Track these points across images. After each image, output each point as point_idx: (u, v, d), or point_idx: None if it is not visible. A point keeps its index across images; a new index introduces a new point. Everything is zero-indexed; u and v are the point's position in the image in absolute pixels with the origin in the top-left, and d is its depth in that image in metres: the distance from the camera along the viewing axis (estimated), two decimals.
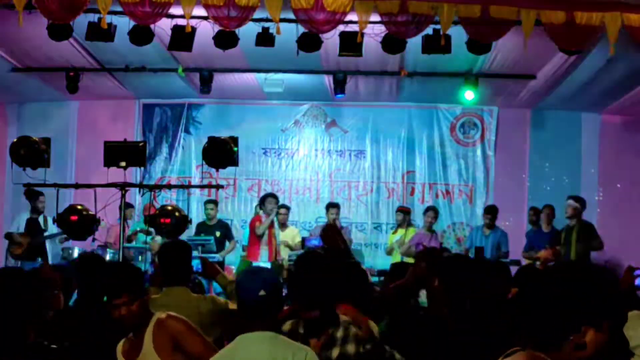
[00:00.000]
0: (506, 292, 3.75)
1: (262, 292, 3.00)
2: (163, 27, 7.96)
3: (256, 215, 9.80)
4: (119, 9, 7.45)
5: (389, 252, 10.46)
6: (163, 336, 3.50)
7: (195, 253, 8.26)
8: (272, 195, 9.83)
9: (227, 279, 4.63)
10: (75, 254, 8.95)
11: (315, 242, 8.87)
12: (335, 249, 4.68)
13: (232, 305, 4.38)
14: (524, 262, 9.51)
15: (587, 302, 2.44)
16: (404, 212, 10.50)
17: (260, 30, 8.15)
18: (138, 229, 9.73)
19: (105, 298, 3.52)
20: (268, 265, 8.32)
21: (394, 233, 10.63)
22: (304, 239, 9.52)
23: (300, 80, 10.75)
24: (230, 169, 7.58)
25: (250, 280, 3.11)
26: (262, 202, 9.72)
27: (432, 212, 10.36)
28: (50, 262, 9.08)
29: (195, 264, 4.93)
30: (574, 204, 9.17)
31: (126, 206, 9.05)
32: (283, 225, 10.17)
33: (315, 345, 3.22)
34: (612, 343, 2.54)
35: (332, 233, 4.81)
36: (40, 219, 9.63)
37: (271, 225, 9.57)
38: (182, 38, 8.06)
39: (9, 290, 3.96)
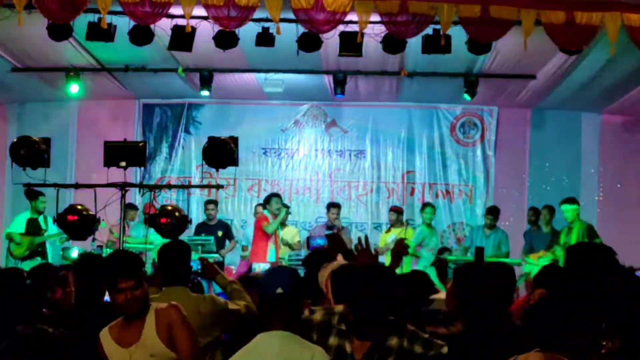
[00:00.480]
0: (509, 293, 3.74)
1: (279, 290, 3.02)
2: (163, 27, 7.96)
3: (262, 215, 9.84)
4: (119, 9, 7.44)
5: (382, 252, 10.34)
6: (162, 325, 3.54)
7: (194, 253, 8.27)
8: (277, 195, 9.94)
9: (227, 280, 4.62)
10: (75, 254, 8.95)
11: (320, 241, 8.89)
12: (340, 250, 4.68)
13: (232, 306, 4.37)
14: (524, 262, 9.53)
15: (620, 307, 2.45)
16: (398, 212, 10.53)
17: (260, 30, 8.15)
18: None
19: (109, 286, 3.53)
20: (267, 267, 8.34)
21: (386, 232, 10.62)
22: (308, 239, 9.54)
23: (300, 80, 10.75)
24: (230, 169, 7.59)
25: (270, 278, 3.15)
26: (267, 201, 9.78)
27: (431, 208, 10.38)
28: (50, 262, 9.09)
29: (195, 263, 4.93)
30: (570, 206, 9.15)
31: (129, 207, 9.06)
32: (282, 225, 10.18)
33: (359, 347, 3.16)
34: (628, 344, 2.56)
35: (338, 239, 4.81)
36: (41, 219, 9.63)
37: None
38: (182, 38, 8.06)
39: (9, 290, 3.97)
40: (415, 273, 5.03)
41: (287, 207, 10.41)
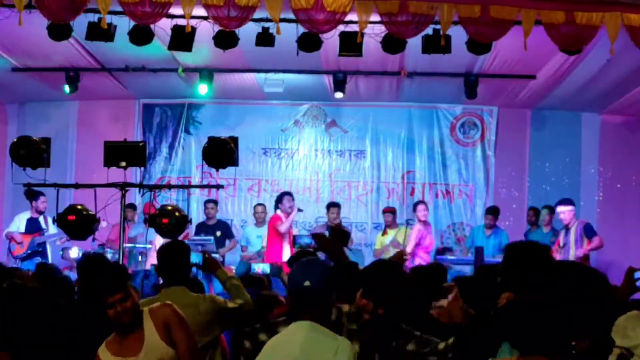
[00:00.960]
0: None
1: (307, 283, 3.01)
2: (163, 27, 7.96)
3: (275, 215, 9.86)
4: (119, 9, 7.44)
5: (380, 254, 10.27)
6: (159, 325, 3.57)
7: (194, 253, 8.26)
8: (289, 194, 10.01)
9: (227, 275, 4.64)
10: (74, 253, 8.95)
11: (306, 240, 8.86)
12: (325, 249, 4.71)
13: (231, 304, 4.39)
14: None
15: (590, 309, 2.47)
16: (393, 213, 10.51)
17: (260, 30, 8.14)
18: None
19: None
20: (267, 268, 8.34)
21: (383, 235, 10.58)
22: (294, 237, 9.52)
23: (300, 80, 10.75)
24: (230, 169, 7.58)
25: (297, 270, 3.14)
26: (280, 200, 9.83)
27: (424, 205, 10.35)
28: (50, 262, 9.10)
29: (196, 255, 4.97)
30: (567, 208, 9.14)
31: (128, 207, 9.04)
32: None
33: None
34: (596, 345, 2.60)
35: (324, 239, 4.83)
36: (41, 219, 9.64)
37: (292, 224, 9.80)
38: (182, 38, 8.05)
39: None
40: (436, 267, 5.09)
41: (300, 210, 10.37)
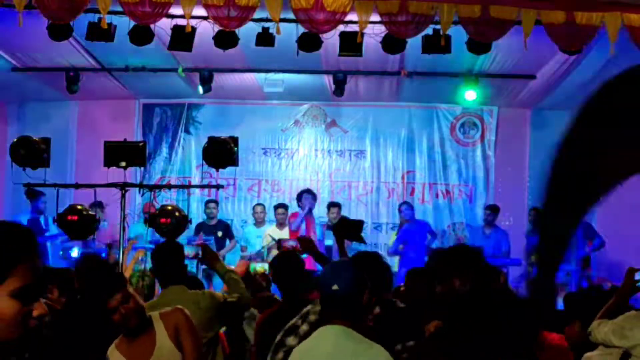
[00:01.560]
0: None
1: (334, 287, 2.94)
2: (163, 27, 7.96)
3: (293, 212, 9.89)
4: (119, 9, 7.45)
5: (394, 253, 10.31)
6: (171, 329, 3.58)
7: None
8: (309, 191, 10.06)
9: (225, 268, 4.67)
10: (74, 253, 8.95)
11: (292, 242, 8.83)
12: (310, 252, 4.72)
13: (230, 299, 4.41)
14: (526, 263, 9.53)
15: (514, 332, 2.54)
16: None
17: (260, 30, 8.15)
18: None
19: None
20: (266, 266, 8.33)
21: (397, 233, 10.58)
22: (279, 240, 9.42)
23: (300, 80, 10.75)
24: (230, 169, 7.59)
25: (326, 273, 3.08)
26: (299, 199, 9.92)
27: (406, 204, 10.36)
28: (50, 262, 9.10)
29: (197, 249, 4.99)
30: None
31: (98, 205, 8.96)
32: (281, 225, 10.17)
33: None
34: None
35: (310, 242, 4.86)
36: (41, 219, 9.63)
37: (311, 221, 9.80)
38: (182, 38, 8.06)
39: None
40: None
41: (286, 207, 10.39)
